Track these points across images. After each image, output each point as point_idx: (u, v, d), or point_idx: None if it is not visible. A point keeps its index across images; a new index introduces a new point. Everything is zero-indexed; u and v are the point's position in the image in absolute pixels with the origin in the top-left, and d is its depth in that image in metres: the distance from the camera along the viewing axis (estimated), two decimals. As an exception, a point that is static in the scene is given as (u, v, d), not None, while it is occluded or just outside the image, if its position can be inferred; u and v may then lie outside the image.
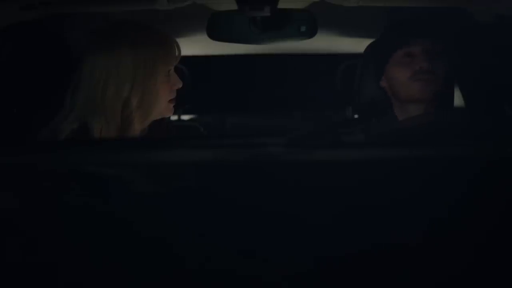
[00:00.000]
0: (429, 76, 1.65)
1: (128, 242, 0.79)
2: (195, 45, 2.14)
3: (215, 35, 1.64)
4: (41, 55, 1.63)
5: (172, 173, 0.89)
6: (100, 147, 1.10)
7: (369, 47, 1.88)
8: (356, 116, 2.32)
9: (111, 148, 1.07)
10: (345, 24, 2.11)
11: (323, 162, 0.90)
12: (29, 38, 1.61)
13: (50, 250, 0.78)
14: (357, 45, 2.18)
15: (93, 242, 0.79)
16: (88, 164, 0.91)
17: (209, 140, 1.30)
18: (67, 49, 1.68)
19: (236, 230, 0.79)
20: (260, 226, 0.79)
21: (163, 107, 1.49)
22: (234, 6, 1.30)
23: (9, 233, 0.81)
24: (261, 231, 0.79)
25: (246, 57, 2.61)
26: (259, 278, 0.75)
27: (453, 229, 0.80)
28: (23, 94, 1.61)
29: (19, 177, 0.88)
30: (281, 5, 1.33)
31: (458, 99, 1.91)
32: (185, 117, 2.79)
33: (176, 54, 1.51)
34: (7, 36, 1.55)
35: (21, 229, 0.81)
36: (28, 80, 1.61)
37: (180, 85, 1.52)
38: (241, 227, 0.80)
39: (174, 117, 2.44)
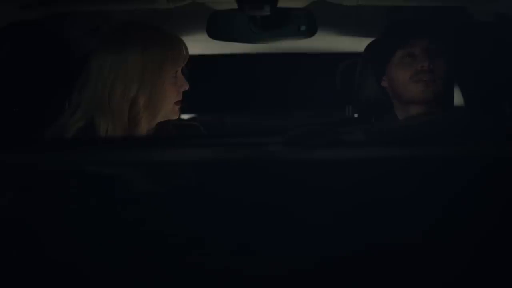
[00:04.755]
0: (430, 76, 1.64)
1: (128, 240, 0.79)
2: (194, 44, 2.14)
3: (215, 34, 1.64)
4: (41, 54, 1.63)
5: (172, 172, 0.89)
6: (99, 147, 1.10)
7: (369, 46, 1.88)
8: (356, 115, 2.32)
9: (110, 148, 1.07)
10: (345, 23, 2.11)
11: (323, 161, 0.90)
12: (29, 37, 1.61)
13: (50, 250, 0.79)
14: (357, 44, 2.18)
15: (93, 241, 0.79)
16: (88, 163, 0.91)
17: (209, 139, 1.30)
18: (67, 48, 1.68)
19: (235, 228, 0.79)
20: (260, 225, 0.79)
21: (169, 108, 1.50)
22: (234, 5, 1.30)
23: (10, 233, 0.81)
24: (261, 230, 0.79)
25: (246, 56, 2.61)
26: (259, 277, 0.75)
27: (453, 228, 0.80)
28: (23, 93, 1.61)
29: (21, 176, 0.88)
30: (281, 4, 1.33)
31: (457, 98, 1.91)
32: (185, 116, 2.79)
33: (184, 55, 1.51)
34: (7, 35, 1.55)
35: (22, 228, 0.81)
36: (27, 79, 1.61)
37: (187, 88, 1.52)
38: (240, 225, 0.80)
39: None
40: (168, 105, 1.49)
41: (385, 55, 1.72)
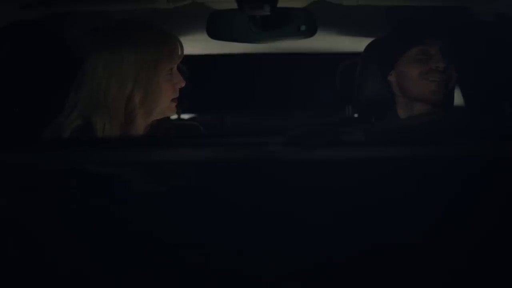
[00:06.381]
0: (443, 77, 1.65)
1: (127, 240, 0.79)
2: (194, 44, 2.14)
3: (214, 34, 1.64)
4: (41, 54, 1.64)
5: (172, 172, 0.89)
6: (99, 146, 1.10)
7: (369, 45, 1.88)
8: (356, 115, 2.32)
9: (110, 147, 1.07)
10: (345, 23, 2.11)
11: (323, 161, 0.90)
12: (29, 37, 1.61)
13: (50, 250, 0.79)
14: (357, 44, 2.18)
15: (93, 240, 0.79)
16: (87, 163, 0.91)
17: (209, 139, 1.30)
18: (67, 48, 1.68)
19: (235, 229, 0.79)
20: (260, 225, 0.79)
21: (165, 105, 1.51)
22: (233, 5, 1.30)
23: (10, 233, 0.81)
24: (261, 230, 0.79)
25: (246, 56, 2.62)
26: (259, 277, 0.75)
27: (453, 228, 0.80)
28: (23, 93, 1.61)
29: (21, 176, 0.88)
30: (280, 4, 1.33)
31: (458, 98, 1.91)
32: (184, 116, 2.79)
33: (179, 52, 1.51)
34: (7, 35, 1.55)
35: (22, 228, 0.81)
36: (27, 79, 1.61)
37: (183, 84, 1.53)
38: (240, 226, 0.80)
39: (174, 116, 2.44)
40: (164, 103, 1.50)
41: (398, 49, 1.71)
